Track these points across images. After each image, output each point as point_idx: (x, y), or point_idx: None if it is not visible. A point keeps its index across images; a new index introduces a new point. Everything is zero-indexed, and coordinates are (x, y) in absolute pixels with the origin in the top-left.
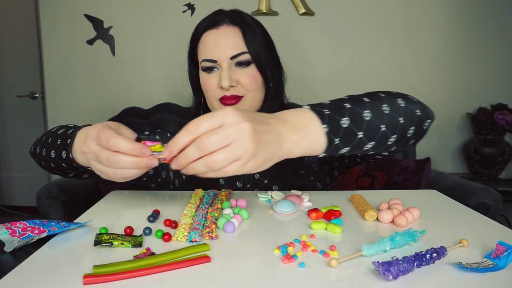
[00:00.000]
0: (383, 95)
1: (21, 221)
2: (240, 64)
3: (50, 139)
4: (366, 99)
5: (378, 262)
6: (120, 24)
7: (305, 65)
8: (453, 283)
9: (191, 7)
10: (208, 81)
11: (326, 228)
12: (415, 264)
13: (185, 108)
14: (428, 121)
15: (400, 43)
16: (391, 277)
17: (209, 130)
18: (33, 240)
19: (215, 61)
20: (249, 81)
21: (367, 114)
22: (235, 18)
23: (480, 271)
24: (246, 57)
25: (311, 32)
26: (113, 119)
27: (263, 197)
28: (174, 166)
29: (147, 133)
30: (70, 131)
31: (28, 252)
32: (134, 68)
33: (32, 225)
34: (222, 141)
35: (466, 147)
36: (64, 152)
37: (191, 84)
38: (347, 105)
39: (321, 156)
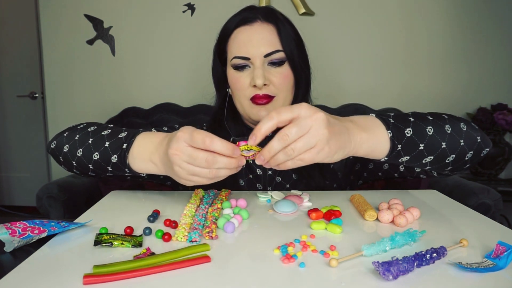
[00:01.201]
0: (446, 117)
1: (21, 221)
2: (274, 63)
3: (90, 140)
4: (430, 117)
5: (378, 262)
6: (120, 24)
7: None
8: (453, 283)
9: (191, 7)
10: (239, 80)
11: (326, 228)
12: (415, 264)
13: (185, 108)
14: (487, 149)
15: (400, 44)
16: (391, 277)
17: (288, 120)
18: (33, 240)
19: (248, 59)
20: (282, 81)
21: (429, 130)
22: (269, 14)
23: (480, 271)
24: (280, 55)
25: (311, 32)
26: (113, 119)
27: (263, 197)
28: (258, 161)
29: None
30: (122, 135)
31: (28, 252)
32: (134, 68)
33: (32, 225)
34: (300, 130)
35: None
36: (115, 156)
37: (215, 82)
38: (411, 119)
39: (382, 160)
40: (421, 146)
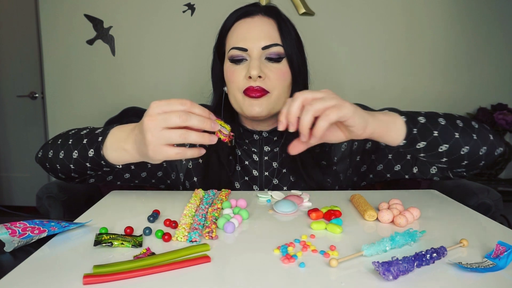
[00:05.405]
0: (457, 115)
1: (21, 221)
2: (271, 58)
3: (70, 141)
4: (440, 113)
5: (378, 262)
6: (120, 24)
7: None
8: (453, 283)
9: (191, 7)
10: (235, 72)
11: (326, 228)
12: (415, 264)
13: None
14: (500, 148)
15: (401, 44)
16: (391, 277)
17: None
18: (33, 240)
19: (245, 50)
20: (278, 77)
21: (441, 121)
22: (272, 10)
23: (480, 271)
24: (279, 49)
25: (311, 32)
26: (113, 119)
27: (263, 197)
28: (303, 138)
29: None
30: (98, 131)
31: (28, 252)
32: (134, 68)
33: (32, 225)
34: (317, 95)
35: None
36: (91, 150)
37: (213, 81)
38: (422, 112)
39: (401, 144)
40: (435, 133)
